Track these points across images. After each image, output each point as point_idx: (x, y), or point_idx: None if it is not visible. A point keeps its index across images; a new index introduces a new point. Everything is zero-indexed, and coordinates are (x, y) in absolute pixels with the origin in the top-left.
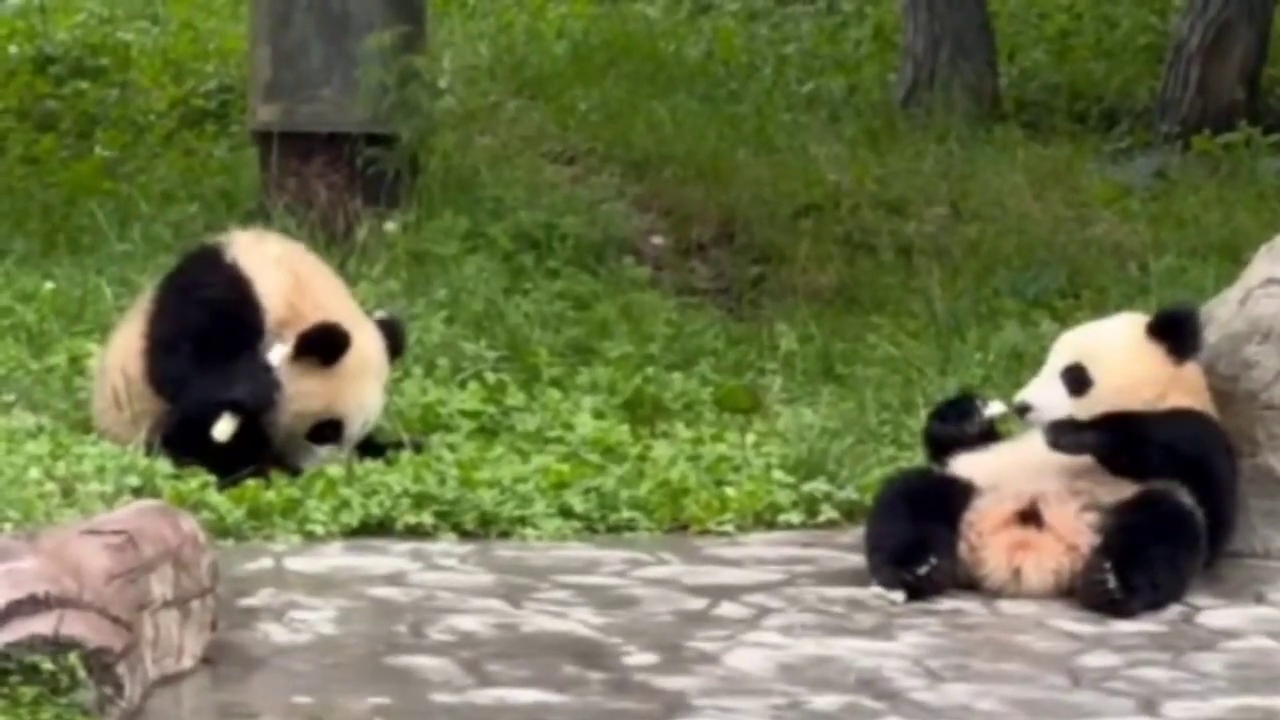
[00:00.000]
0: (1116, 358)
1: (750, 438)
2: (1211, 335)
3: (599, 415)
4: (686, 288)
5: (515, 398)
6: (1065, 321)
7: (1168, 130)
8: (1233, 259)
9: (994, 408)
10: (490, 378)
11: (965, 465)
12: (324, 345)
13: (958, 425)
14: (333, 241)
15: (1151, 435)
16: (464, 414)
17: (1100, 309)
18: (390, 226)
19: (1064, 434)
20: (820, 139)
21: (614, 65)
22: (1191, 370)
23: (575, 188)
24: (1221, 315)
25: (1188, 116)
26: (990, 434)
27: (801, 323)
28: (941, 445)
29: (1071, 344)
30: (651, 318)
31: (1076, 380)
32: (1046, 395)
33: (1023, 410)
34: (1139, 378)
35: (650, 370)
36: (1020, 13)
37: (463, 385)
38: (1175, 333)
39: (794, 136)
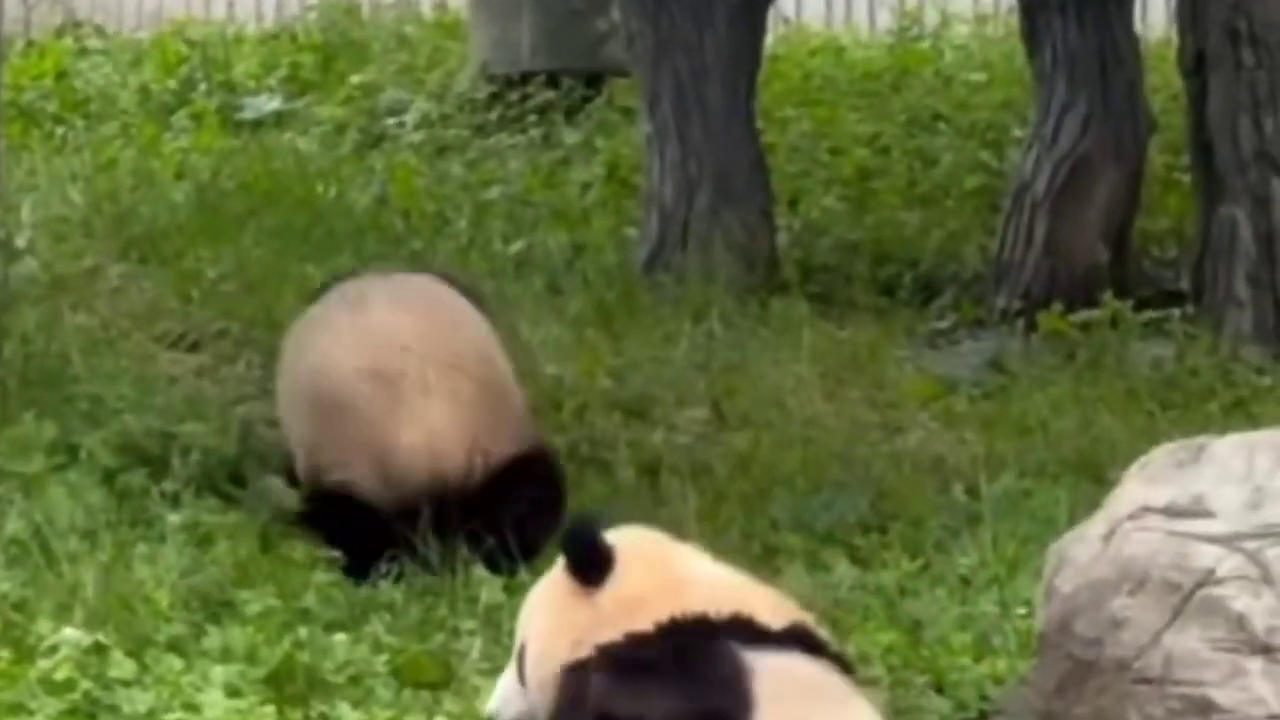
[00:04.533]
0: None
1: None
2: (1065, 583)
3: (234, 692)
4: None
5: (120, 667)
6: (869, 564)
7: (1005, 305)
8: (1094, 479)
9: None
10: (85, 640)
11: None
12: None
13: None
14: None
15: None
16: (48, 688)
17: (916, 547)
18: None
19: None
20: (534, 317)
21: (254, 216)
22: None
23: (202, 382)
24: (1079, 556)
25: (1032, 286)
26: None
27: (509, 566)
28: None
29: None
30: (305, 560)
31: None
32: None
33: None
34: None
35: (304, 631)
36: (805, 146)
37: (50, 650)
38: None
39: (499, 313)
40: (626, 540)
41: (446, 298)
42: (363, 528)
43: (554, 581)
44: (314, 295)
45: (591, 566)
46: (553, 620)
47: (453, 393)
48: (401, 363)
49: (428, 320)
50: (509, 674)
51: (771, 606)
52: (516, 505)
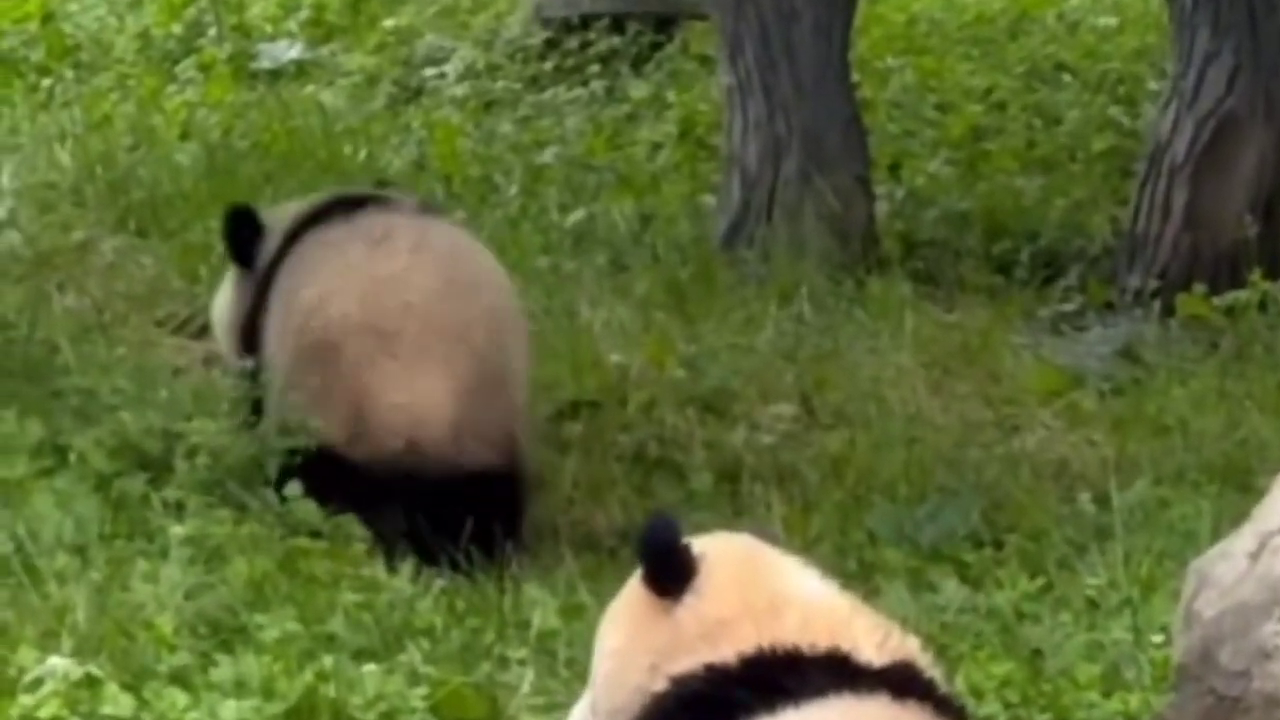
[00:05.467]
0: None
1: None
2: (1207, 606)
3: None
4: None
5: (115, 702)
6: (981, 584)
7: (1139, 285)
8: (1240, 487)
9: None
10: (75, 671)
11: None
12: None
13: None
14: None
15: None
16: None
17: (1036, 564)
18: None
19: None
20: (596, 297)
21: (271, 182)
22: None
23: (210, 373)
24: (1223, 576)
25: (1170, 263)
26: None
27: (568, 585)
28: None
29: None
30: (331, 578)
31: None
32: None
33: None
34: None
35: (328, 660)
36: (908, 101)
37: (34, 684)
38: None
39: (555, 294)
40: (716, 548)
41: (474, 255)
42: (335, 485)
43: (633, 591)
44: (320, 208)
45: (667, 575)
46: (628, 638)
47: (450, 365)
48: (401, 321)
49: (445, 279)
50: (584, 701)
51: (878, 639)
52: (474, 520)
